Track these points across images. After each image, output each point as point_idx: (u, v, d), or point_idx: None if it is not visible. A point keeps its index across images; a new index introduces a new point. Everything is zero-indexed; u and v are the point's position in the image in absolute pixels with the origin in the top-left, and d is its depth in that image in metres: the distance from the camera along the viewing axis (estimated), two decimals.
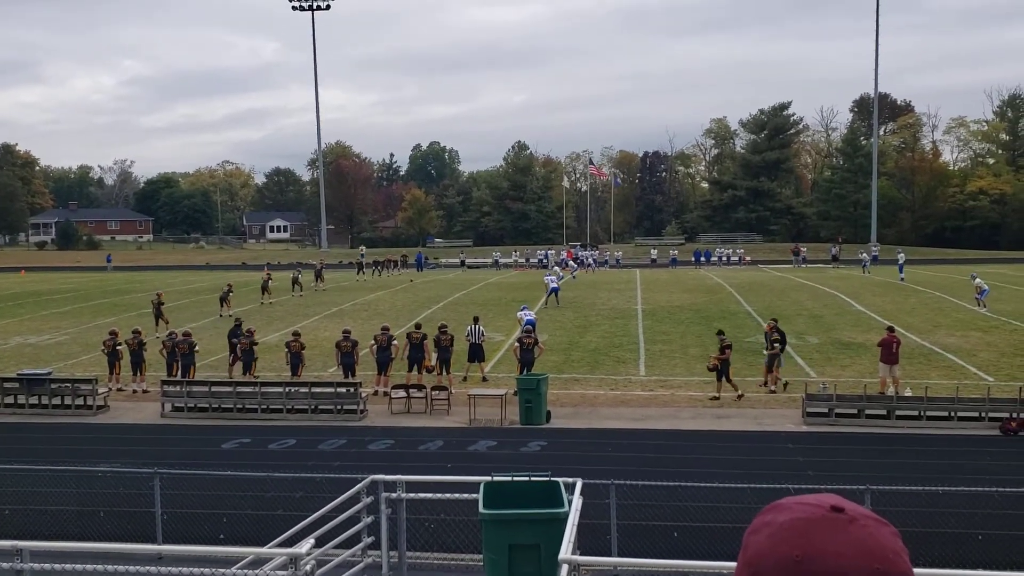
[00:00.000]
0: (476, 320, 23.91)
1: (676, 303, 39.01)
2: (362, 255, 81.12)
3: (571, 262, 63.86)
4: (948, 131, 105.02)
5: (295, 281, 44.97)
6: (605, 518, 10.95)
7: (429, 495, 9.34)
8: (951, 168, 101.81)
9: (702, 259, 71.10)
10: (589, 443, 17.33)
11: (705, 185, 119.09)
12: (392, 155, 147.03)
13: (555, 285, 40.50)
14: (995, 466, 15.33)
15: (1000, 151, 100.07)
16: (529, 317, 29.01)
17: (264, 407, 20.11)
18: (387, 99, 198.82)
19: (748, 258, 75.12)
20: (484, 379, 23.05)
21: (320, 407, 19.92)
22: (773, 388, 21.45)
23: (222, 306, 36.92)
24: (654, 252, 79.11)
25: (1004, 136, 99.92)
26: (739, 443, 17.24)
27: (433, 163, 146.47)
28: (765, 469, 14.95)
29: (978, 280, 36.10)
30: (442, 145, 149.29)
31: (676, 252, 73.84)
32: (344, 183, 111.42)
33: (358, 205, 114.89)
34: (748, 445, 17.07)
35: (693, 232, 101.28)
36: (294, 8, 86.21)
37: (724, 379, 20.82)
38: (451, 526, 10.75)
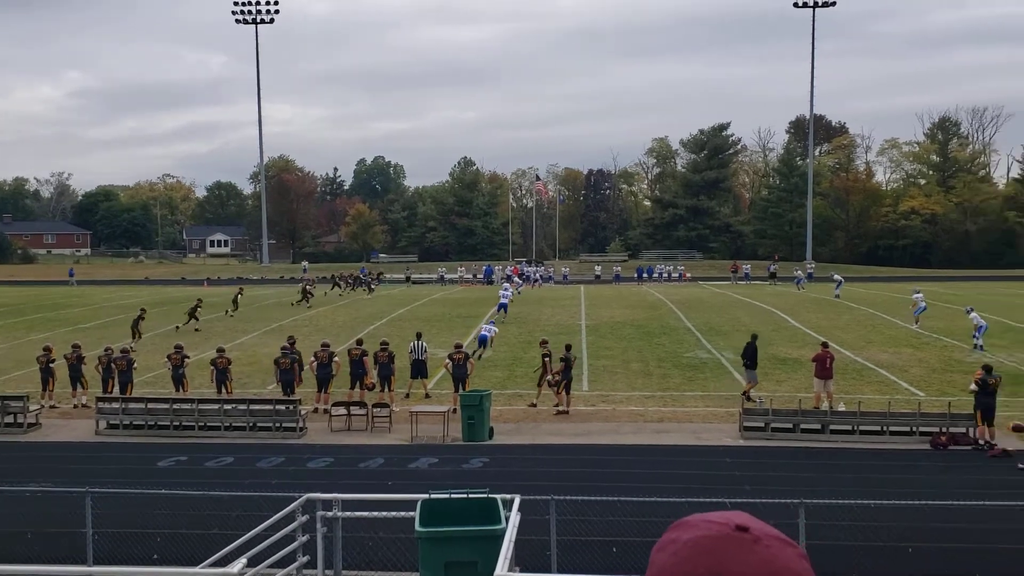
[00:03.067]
0: (419, 336, 23.82)
1: (619, 319, 39.37)
2: (304, 270, 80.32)
3: (516, 278, 64.05)
4: (881, 152, 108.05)
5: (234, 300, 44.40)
6: (545, 534, 10.99)
7: (366, 513, 9.27)
8: (884, 188, 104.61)
9: (644, 275, 72.04)
10: (531, 459, 17.37)
11: (647, 203, 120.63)
12: (336, 169, 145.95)
13: (505, 300, 40.94)
14: (926, 480, 15.74)
15: (931, 172, 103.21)
16: (484, 333, 29.63)
17: (201, 424, 19.76)
18: (335, 114, 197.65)
19: (688, 275, 76.20)
20: (427, 396, 22.97)
21: (258, 424, 19.63)
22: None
23: (189, 320, 37.38)
24: (598, 268, 79.81)
25: (935, 157, 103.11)
26: (678, 457, 17.45)
27: (378, 178, 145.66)
28: (703, 483, 15.16)
29: (918, 295, 37.04)
30: (387, 160, 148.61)
31: (619, 268, 74.67)
32: (286, 197, 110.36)
33: (301, 220, 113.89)
34: (687, 459, 17.29)
35: (636, 249, 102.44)
36: (237, 22, 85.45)
37: (554, 388, 21.45)
38: (389, 544, 10.68)
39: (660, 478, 15.51)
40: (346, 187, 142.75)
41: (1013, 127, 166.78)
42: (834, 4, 79.52)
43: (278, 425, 19.54)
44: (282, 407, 19.86)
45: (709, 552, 1.08)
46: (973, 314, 30.00)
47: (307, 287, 49.34)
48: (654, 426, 20.17)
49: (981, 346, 28.76)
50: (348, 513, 9.29)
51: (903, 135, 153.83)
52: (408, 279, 70.81)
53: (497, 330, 31.89)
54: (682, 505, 11.94)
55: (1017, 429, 18.95)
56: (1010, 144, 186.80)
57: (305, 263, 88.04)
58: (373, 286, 59.99)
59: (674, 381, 25.32)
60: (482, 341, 29.44)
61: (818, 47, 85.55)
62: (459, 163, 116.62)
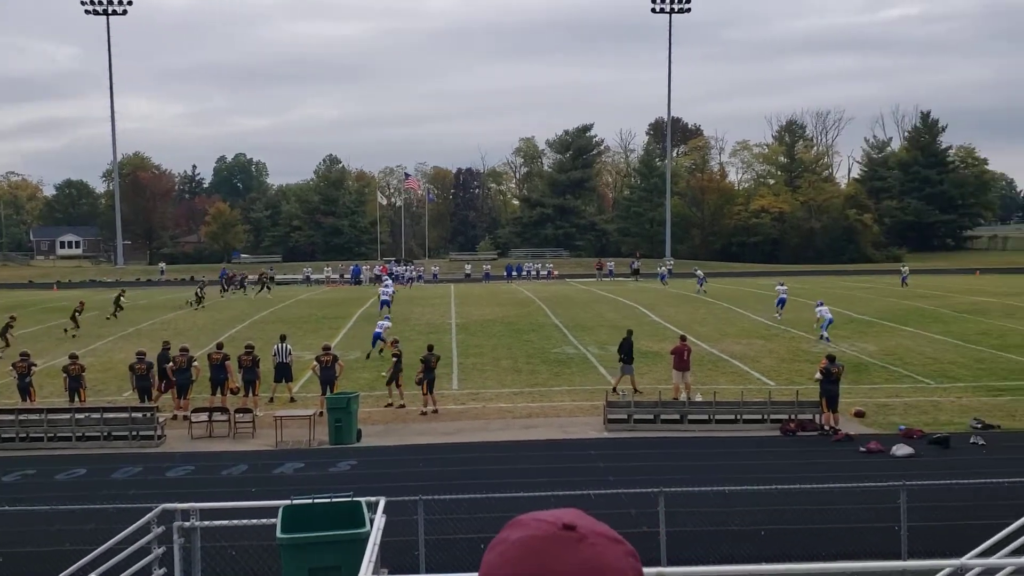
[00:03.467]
0: (283, 339, 23.33)
1: (489, 317, 39.68)
2: (162, 272, 77.12)
3: (385, 277, 63.49)
4: (734, 154, 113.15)
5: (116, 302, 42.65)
6: (414, 534, 11.01)
7: (226, 522, 9.03)
8: (736, 188, 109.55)
9: (514, 274, 72.86)
10: (400, 460, 17.32)
11: (516, 202, 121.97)
12: (195, 167, 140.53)
13: (385, 297, 41.20)
14: (776, 465, 16.60)
15: (779, 172, 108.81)
16: (377, 330, 29.79)
17: (51, 436, 18.74)
18: (195, 110, 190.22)
19: (556, 272, 77.58)
20: (292, 399, 22.53)
21: (114, 434, 18.77)
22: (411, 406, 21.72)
23: (74, 324, 36.16)
24: (468, 267, 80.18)
25: (782, 159, 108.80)
26: (546, 452, 17.77)
27: (239, 176, 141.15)
28: (569, 476, 15.49)
29: (782, 287, 39.22)
30: (249, 157, 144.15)
31: (489, 267, 75.23)
32: (142, 196, 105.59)
33: (157, 219, 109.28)
34: (554, 453, 17.63)
35: (505, 247, 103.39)
36: (87, 12, 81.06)
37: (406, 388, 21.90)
38: (254, 553, 10.44)
39: (528, 473, 15.76)
40: (206, 185, 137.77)
41: (853, 130, 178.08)
42: (689, 11, 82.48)
43: (134, 434, 18.74)
44: (139, 415, 19.05)
45: (534, 552, 1.07)
46: (822, 308, 31.80)
47: (199, 290, 48.31)
48: (522, 422, 20.45)
49: (827, 338, 30.53)
50: (207, 523, 9.03)
51: (754, 137, 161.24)
52: (272, 279, 68.16)
53: (390, 324, 31.79)
54: (548, 499, 12.18)
55: (859, 415, 20.26)
56: (850, 146, 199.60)
57: (162, 265, 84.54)
58: (270, 286, 58.30)
59: (542, 377, 25.75)
60: (376, 338, 29.37)
61: (675, 52, 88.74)
62: (324, 161, 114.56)
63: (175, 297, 52.72)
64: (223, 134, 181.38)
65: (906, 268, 58.92)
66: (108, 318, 40.62)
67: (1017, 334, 31.72)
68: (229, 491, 14.87)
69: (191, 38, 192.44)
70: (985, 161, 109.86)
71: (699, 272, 55.96)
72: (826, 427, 18.89)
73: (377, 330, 29.96)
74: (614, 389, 22.39)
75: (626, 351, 22.89)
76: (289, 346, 23.06)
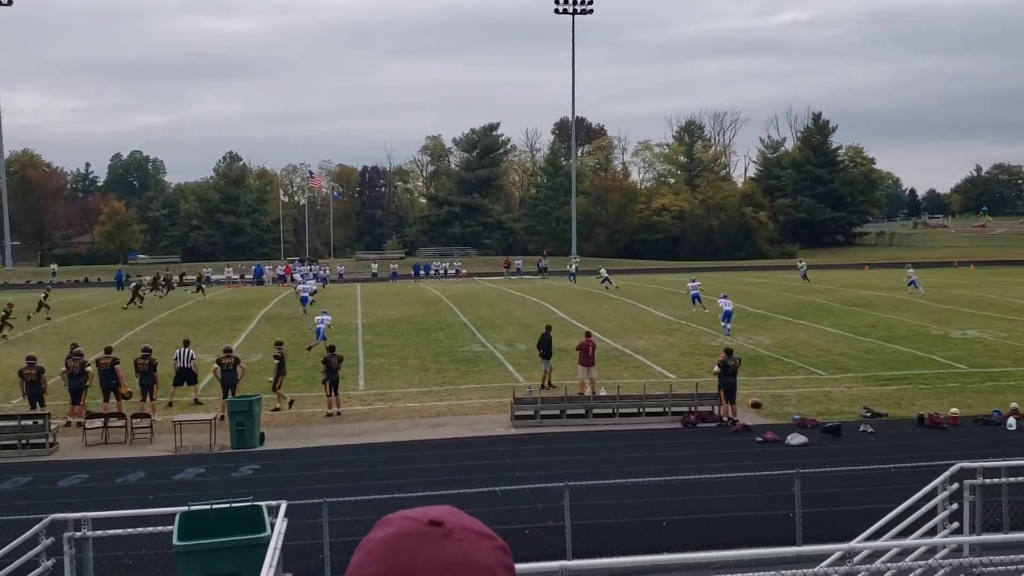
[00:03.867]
0: (187, 344, 22.71)
1: (396, 316, 39.43)
2: (53, 273, 73.95)
3: (288, 277, 62.41)
4: (636, 153, 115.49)
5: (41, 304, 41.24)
6: (319, 537, 10.88)
7: (120, 531, 8.75)
8: (639, 187, 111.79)
9: (421, 272, 72.53)
10: (305, 463, 17.07)
11: (423, 201, 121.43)
12: (88, 165, 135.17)
13: (305, 294, 41.90)
14: (677, 456, 17.01)
15: (679, 172, 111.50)
16: (319, 326, 30.40)
17: None
18: (90, 105, 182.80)
19: (464, 271, 77.60)
20: (197, 402, 21.96)
21: (1, 443, 17.94)
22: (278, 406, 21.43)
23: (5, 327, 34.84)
24: (375, 266, 79.39)
25: (682, 158, 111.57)
26: (453, 450, 17.80)
27: (135, 173, 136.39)
28: (476, 474, 15.56)
29: (694, 283, 40.09)
30: (145, 155, 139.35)
31: (396, 266, 74.69)
32: (32, 195, 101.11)
33: (49, 219, 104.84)
34: (462, 451, 17.67)
35: (413, 246, 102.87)
36: None
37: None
38: (151, 561, 10.16)
39: (436, 472, 15.76)
40: (100, 184, 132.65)
41: (749, 130, 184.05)
42: (591, 12, 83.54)
43: (24, 442, 17.96)
44: (29, 422, 18.27)
45: (399, 550, 1.06)
46: (724, 300, 32.68)
47: (139, 288, 47.10)
48: (430, 421, 20.43)
49: (728, 329, 31.39)
50: (100, 532, 8.73)
51: (655, 137, 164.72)
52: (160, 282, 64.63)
53: (330, 318, 32.12)
54: (455, 497, 12.20)
55: (755, 405, 20.95)
56: (746, 146, 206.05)
57: (54, 266, 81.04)
58: (204, 285, 56.47)
59: (450, 375, 25.76)
60: (319, 333, 29.86)
61: (580, 53, 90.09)
62: (224, 158, 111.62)
63: (69, 300, 50.57)
64: (119, 131, 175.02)
65: (803, 263, 60.32)
66: (49, 318, 40.10)
67: (903, 326, 33.29)
68: (126, 499, 14.38)
69: (85, 32, 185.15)
70: (873, 160, 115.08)
71: (602, 270, 56.69)
72: (725, 418, 19.47)
73: (319, 326, 30.52)
74: (548, 384, 23.02)
75: (545, 346, 23.39)
76: (192, 351, 22.49)
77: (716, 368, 20.05)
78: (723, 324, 31.84)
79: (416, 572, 1.02)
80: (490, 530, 1.14)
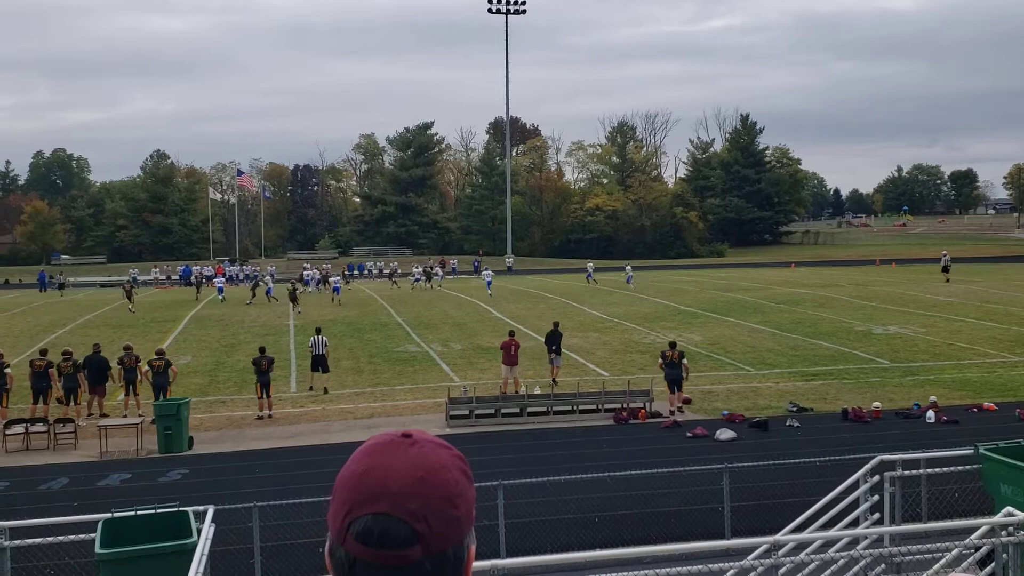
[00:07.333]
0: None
1: (329, 317, 38.98)
2: None
3: (218, 278, 61.16)
4: (570, 154, 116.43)
5: None
6: (249, 542, 10.73)
7: (40, 540, 8.49)
8: (573, 187, 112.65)
9: (355, 272, 71.80)
10: (235, 467, 16.78)
11: (357, 200, 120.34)
12: (8, 163, 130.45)
13: (271, 286, 46.09)
14: (610, 452, 17.20)
15: (612, 172, 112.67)
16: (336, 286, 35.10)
17: None
18: (13, 103, 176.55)
19: (400, 271, 77.04)
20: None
21: None
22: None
23: None
24: (307, 266, 78.33)
25: (615, 159, 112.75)
26: None
27: (59, 172, 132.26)
28: None
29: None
30: (69, 153, 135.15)
31: (329, 266, 73.72)
32: None
33: None
34: None
35: (347, 246, 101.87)
36: None
37: None
38: (74, 570, 9.89)
39: None
40: (21, 182, 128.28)
41: (680, 131, 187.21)
42: (524, 12, 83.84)
43: None
44: None
45: (374, 451, 1.29)
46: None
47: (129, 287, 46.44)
48: (364, 422, 20.24)
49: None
50: (19, 541, 8.45)
51: (588, 138, 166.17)
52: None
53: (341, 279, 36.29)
54: None
55: (686, 401, 21.25)
56: (677, 147, 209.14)
57: None
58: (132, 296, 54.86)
59: (384, 376, 25.59)
60: (335, 291, 35.03)
61: (514, 55, 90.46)
62: (151, 156, 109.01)
63: None
64: (45, 128, 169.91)
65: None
66: None
67: (827, 323, 34.18)
68: (48, 507, 13.97)
69: (13, 27, 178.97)
70: (798, 161, 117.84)
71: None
72: (671, 409, 19.82)
73: (335, 286, 37.11)
74: (555, 380, 23.14)
75: (555, 341, 23.58)
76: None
77: (660, 361, 20.57)
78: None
79: (386, 468, 1.25)
80: (450, 445, 1.34)
